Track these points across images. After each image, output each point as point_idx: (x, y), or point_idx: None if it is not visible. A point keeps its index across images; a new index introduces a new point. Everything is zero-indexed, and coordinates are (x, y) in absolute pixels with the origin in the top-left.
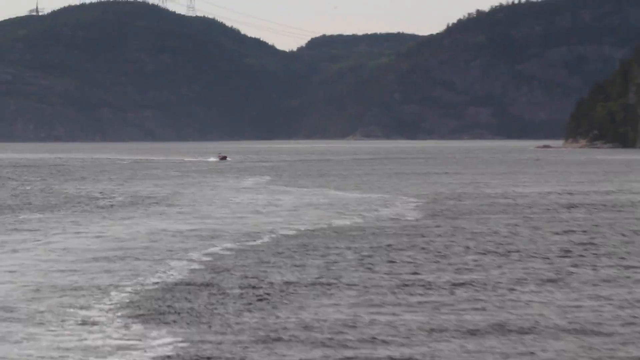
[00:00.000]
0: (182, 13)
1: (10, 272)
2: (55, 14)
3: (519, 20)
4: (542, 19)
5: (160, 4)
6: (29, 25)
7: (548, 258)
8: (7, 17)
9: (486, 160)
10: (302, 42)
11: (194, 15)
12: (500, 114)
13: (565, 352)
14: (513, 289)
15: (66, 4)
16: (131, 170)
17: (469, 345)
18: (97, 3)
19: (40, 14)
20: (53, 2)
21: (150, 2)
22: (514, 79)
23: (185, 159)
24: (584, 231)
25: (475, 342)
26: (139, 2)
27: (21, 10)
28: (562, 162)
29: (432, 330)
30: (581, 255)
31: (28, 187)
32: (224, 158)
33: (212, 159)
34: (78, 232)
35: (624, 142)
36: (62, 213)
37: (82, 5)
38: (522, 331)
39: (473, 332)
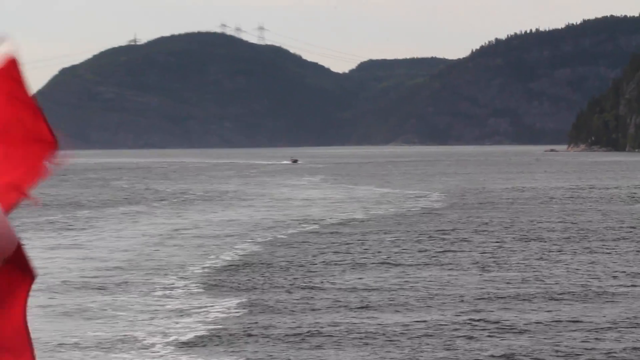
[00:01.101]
0: (254, 42)
1: (109, 250)
2: (150, 44)
3: (530, 46)
4: (549, 45)
5: (236, 35)
6: (128, 53)
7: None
8: (110, 47)
9: (504, 162)
10: (353, 65)
11: (264, 44)
12: (515, 124)
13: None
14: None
15: (159, 35)
16: (213, 172)
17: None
18: (185, 34)
19: (137, 43)
20: (148, 33)
21: (228, 34)
22: (527, 95)
23: (263, 162)
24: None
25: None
26: (219, 33)
27: (122, 41)
28: (565, 163)
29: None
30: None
31: (126, 186)
32: (295, 161)
33: (285, 162)
34: (162, 222)
35: (616, 146)
36: (152, 206)
37: (172, 37)
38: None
39: (518, 296)
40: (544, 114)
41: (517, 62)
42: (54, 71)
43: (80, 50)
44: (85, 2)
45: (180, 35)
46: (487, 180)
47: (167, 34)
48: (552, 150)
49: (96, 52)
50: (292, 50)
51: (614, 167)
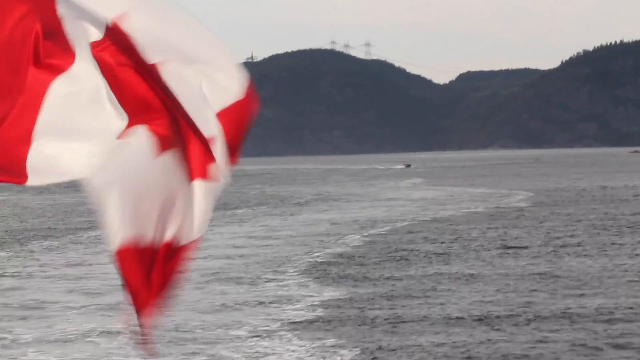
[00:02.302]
0: (362, 57)
1: (230, 246)
2: (265, 61)
3: (615, 56)
4: (633, 54)
5: (345, 51)
6: (246, 69)
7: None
8: None
9: (591, 162)
10: (453, 77)
11: (370, 59)
12: (603, 128)
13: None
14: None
15: (274, 53)
16: (331, 175)
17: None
18: (297, 51)
19: (254, 60)
20: (264, 51)
21: (337, 50)
22: (613, 101)
23: (379, 167)
24: None
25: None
26: (329, 50)
27: (241, 58)
28: None
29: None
30: None
31: (244, 190)
32: (408, 165)
33: (399, 166)
34: (276, 222)
35: None
36: (267, 208)
37: (286, 53)
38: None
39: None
40: (629, 118)
41: (603, 71)
42: None
43: None
44: (207, 25)
45: (293, 52)
46: (575, 180)
47: (281, 51)
48: (635, 151)
49: None
50: (396, 64)
51: None
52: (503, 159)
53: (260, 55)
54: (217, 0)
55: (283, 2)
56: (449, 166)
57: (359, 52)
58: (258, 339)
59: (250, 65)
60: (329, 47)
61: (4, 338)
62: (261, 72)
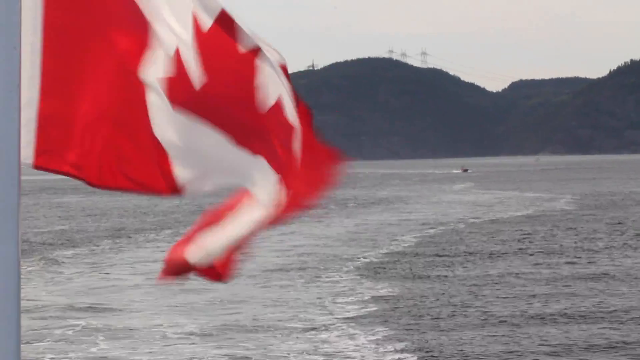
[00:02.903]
0: (418, 65)
1: (291, 246)
2: (326, 68)
3: None
4: None
5: (402, 60)
6: (307, 77)
7: None
8: (291, 72)
9: (638, 168)
10: (505, 85)
11: (426, 67)
12: None
13: None
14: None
15: (334, 61)
16: (382, 180)
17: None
18: (356, 60)
19: (315, 68)
20: (324, 59)
21: (394, 59)
22: None
23: (437, 172)
24: None
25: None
26: (387, 58)
27: (302, 66)
28: None
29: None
30: None
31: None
32: (465, 170)
33: (456, 171)
34: (333, 224)
35: None
36: (327, 210)
37: (345, 62)
38: None
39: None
40: None
41: None
42: None
43: None
44: (268, 35)
45: (352, 61)
46: (622, 184)
47: (340, 60)
48: None
49: None
50: (451, 73)
51: None
52: (553, 164)
53: (321, 63)
54: (278, 10)
55: (343, 12)
56: (502, 171)
57: (415, 61)
58: (315, 331)
59: (311, 73)
60: (386, 55)
61: (75, 326)
62: (322, 79)
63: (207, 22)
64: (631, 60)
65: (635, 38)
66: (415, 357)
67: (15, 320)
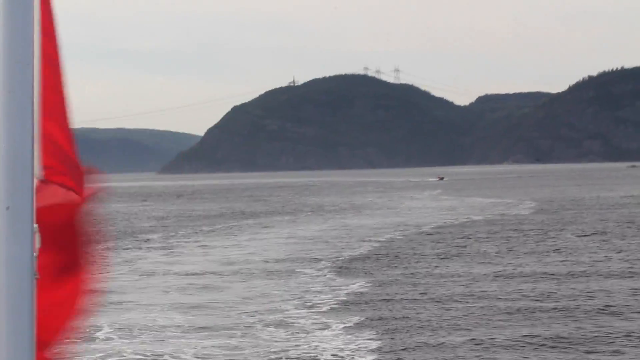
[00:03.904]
0: (391, 81)
1: (271, 245)
2: (306, 84)
3: (617, 81)
4: (633, 79)
5: (376, 76)
6: (288, 92)
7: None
8: (274, 87)
9: (593, 176)
10: (472, 99)
11: (399, 83)
12: (605, 145)
13: None
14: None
15: (313, 77)
16: (357, 188)
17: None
18: (334, 76)
19: (296, 84)
20: (304, 76)
21: (370, 75)
22: (614, 121)
23: (414, 179)
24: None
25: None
26: (362, 75)
27: (283, 82)
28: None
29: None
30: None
31: (279, 199)
32: (441, 178)
33: (432, 179)
34: (312, 226)
35: None
36: (297, 216)
37: (324, 78)
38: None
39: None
40: (629, 136)
41: (606, 94)
42: (228, 108)
43: (249, 90)
44: (252, 53)
45: (330, 77)
46: (574, 191)
47: (319, 76)
48: (633, 166)
49: (262, 92)
50: (422, 88)
51: None
52: (515, 172)
53: (301, 79)
54: (260, 29)
55: (321, 31)
56: (471, 179)
57: (389, 77)
58: (294, 321)
59: (292, 89)
60: (362, 72)
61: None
62: (302, 94)
63: None
64: (589, 76)
65: (591, 55)
66: (382, 342)
67: (29, 319)
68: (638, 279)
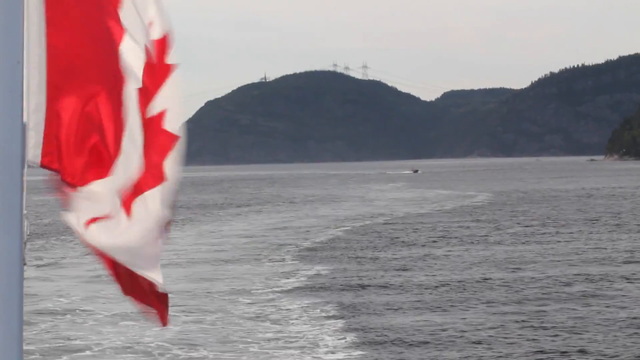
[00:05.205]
0: (359, 77)
1: (239, 235)
2: (277, 80)
3: (577, 77)
4: (592, 76)
5: (345, 72)
6: (260, 88)
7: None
8: (245, 83)
9: (553, 169)
10: (438, 94)
11: (367, 79)
12: (566, 139)
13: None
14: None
15: (284, 74)
16: (333, 180)
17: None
18: (304, 72)
19: (267, 80)
20: (275, 72)
21: (338, 71)
22: (575, 116)
23: (390, 172)
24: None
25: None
26: (331, 71)
27: (255, 78)
28: (595, 170)
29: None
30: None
31: (254, 191)
32: (416, 171)
33: (406, 172)
34: (281, 216)
35: None
36: (268, 207)
37: (294, 75)
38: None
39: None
40: (589, 131)
41: (567, 90)
42: (201, 103)
43: (222, 86)
44: (226, 50)
45: (300, 73)
46: (535, 183)
47: (290, 72)
48: (592, 159)
49: (234, 87)
50: (389, 84)
51: (637, 172)
52: (480, 166)
53: (272, 75)
54: (231, 26)
55: (292, 28)
56: (443, 171)
57: (357, 74)
58: (261, 302)
59: (264, 85)
60: (331, 69)
61: (72, 311)
62: (273, 90)
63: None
64: (550, 72)
65: (553, 53)
66: (346, 320)
67: (18, 307)
68: (580, 266)
